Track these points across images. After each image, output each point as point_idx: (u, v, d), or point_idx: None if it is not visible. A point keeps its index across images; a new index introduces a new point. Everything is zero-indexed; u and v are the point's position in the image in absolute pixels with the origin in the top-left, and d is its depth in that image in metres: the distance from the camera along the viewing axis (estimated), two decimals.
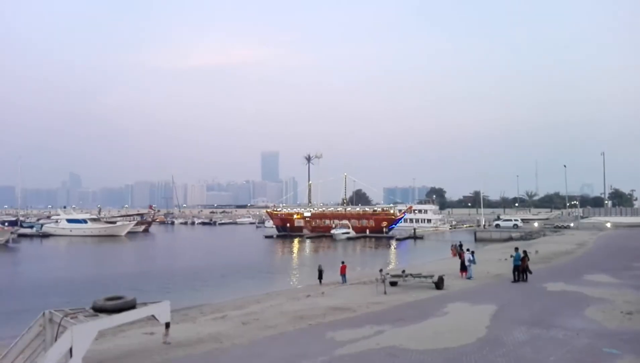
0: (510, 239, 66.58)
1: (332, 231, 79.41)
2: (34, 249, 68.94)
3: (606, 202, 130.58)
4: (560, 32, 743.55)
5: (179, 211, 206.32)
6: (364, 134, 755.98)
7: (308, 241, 77.65)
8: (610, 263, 33.20)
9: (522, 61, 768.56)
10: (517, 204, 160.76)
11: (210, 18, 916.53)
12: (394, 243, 72.24)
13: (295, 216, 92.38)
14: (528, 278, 25.29)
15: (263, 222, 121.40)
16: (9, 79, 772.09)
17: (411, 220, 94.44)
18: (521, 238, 65.80)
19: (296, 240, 78.75)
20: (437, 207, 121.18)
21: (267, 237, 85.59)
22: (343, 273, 30.32)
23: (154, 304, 13.26)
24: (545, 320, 16.16)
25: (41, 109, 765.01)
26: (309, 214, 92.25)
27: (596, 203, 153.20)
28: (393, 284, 24.19)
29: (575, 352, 12.62)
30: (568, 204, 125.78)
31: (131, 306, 12.48)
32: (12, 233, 71.67)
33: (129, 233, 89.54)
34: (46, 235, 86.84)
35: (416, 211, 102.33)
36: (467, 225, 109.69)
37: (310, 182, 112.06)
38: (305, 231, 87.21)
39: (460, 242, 45.94)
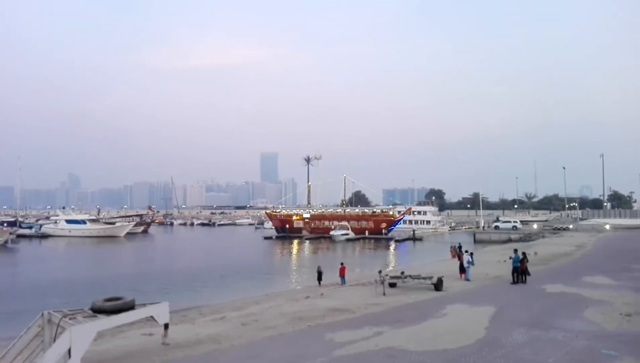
0: (509, 241, 66.54)
1: (331, 233, 79.37)
2: (32, 250, 68.81)
3: (605, 204, 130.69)
4: (560, 32, 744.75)
5: (178, 212, 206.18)
6: (363, 134, 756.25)
7: (307, 242, 77.61)
8: (609, 264, 33.23)
9: (522, 61, 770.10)
10: (516, 206, 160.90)
11: (210, 18, 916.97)
12: (393, 244, 72.19)
13: (294, 218, 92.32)
14: (527, 279, 25.31)
15: (262, 223, 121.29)
16: (9, 79, 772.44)
17: (410, 222, 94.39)
18: (520, 240, 65.76)
19: (295, 241, 78.70)
20: (436, 208, 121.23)
21: (266, 238, 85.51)
22: (342, 274, 30.31)
23: (153, 305, 13.25)
24: (544, 322, 16.18)
25: (41, 109, 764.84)
26: (308, 215, 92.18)
27: (595, 204, 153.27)
28: (392, 285, 24.19)
29: (574, 353, 12.64)
30: (567, 206, 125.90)
31: (130, 307, 12.47)
32: (10, 233, 71.50)
33: (128, 233, 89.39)
34: (45, 236, 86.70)
35: (415, 213, 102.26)
36: (466, 227, 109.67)
37: (309, 183, 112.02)
38: (304, 233, 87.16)
39: (459, 244, 45.89)
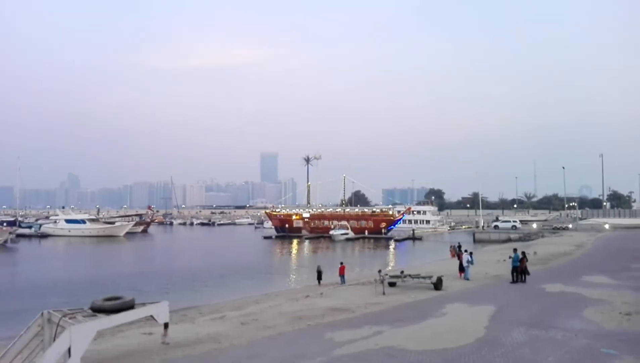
0: (509, 240, 66.58)
1: (331, 232, 79.38)
2: (32, 249, 68.78)
3: (605, 203, 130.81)
4: (560, 32, 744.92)
5: (178, 211, 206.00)
6: (363, 134, 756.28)
7: (307, 242, 77.62)
8: (608, 264, 33.25)
9: (522, 61, 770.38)
10: (515, 206, 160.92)
11: (210, 18, 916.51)
12: (392, 244, 72.22)
13: (294, 217, 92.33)
14: (526, 279, 25.33)
15: (262, 223, 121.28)
16: (9, 79, 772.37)
17: (410, 221, 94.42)
18: (520, 239, 65.80)
19: (295, 241, 78.72)
20: (436, 208, 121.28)
21: (265, 238, 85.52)
22: (342, 273, 30.30)
23: (153, 304, 13.25)
24: (543, 321, 16.19)
25: (41, 109, 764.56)
26: (307, 215, 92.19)
27: (595, 204, 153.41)
28: (392, 285, 24.21)
29: (574, 352, 12.65)
30: (566, 205, 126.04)
31: (130, 306, 12.47)
32: (10, 233, 71.46)
33: (127, 233, 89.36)
34: (45, 235, 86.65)
35: (415, 212, 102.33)
36: (466, 226, 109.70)
37: (309, 183, 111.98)
38: (304, 232, 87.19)
39: (459, 243, 45.95)
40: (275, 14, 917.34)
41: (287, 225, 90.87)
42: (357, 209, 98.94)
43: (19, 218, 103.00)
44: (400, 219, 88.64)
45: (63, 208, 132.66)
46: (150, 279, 36.82)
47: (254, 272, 41.54)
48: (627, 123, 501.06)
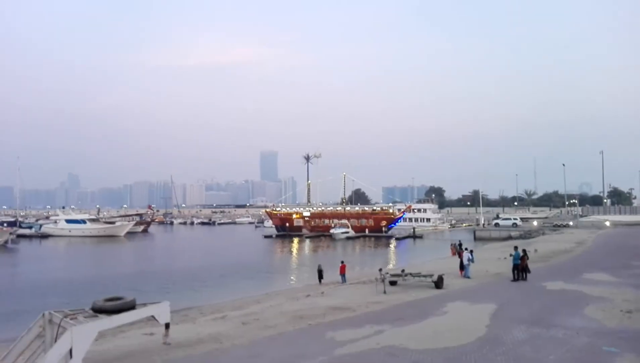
0: (510, 238, 66.58)
1: (332, 231, 79.41)
2: (33, 250, 68.85)
3: (605, 201, 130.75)
4: (560, 32, 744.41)
5: (178, 211, 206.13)
6: (363, 134, 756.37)
7: (307, 240, 77.66)
8: (609, 261, 33.22)
9: (522, 61, 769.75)
10: (516, 203, 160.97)
11: (210, 18, 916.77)
12: (393, 242, 72.29)
13: (294, 216, 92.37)
14: (527, 277, 25.31)
15: (262, 222, 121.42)
16: (9, 79, 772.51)
17: (410, 219, 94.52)
18: (520, 237, 65.84)
19: (295, 240, 78.75)
20: (437, 206, 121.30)
21: (266, 237, 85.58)
22: (342, 272, 30.33)
23: (154, 305, 13.24)
24: (544, 319, 16.18)
25: (40, 109, 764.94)
26: (308, 214, 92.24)
27: (595, 201, 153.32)
28: (392, 283, 24.19)
29: (575, 350, 12.64)
30: (567, 203, 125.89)
31: (131, 307, 12.46)
32: (10, 233, 71.56)
33: (128, 233, 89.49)
34: (45, 236, 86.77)
35: (415, 211, 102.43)
36: (467, 224, 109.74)
37: (309, 182, 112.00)
38: (304, 231, 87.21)
39: (459, 241, 45.98)
40: (275, 14, 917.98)
41: (287, 224, 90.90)
42: (357, 208, 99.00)
43: (19, 219, 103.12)
44: (400, 218, 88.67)
45: (63, 208, 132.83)
46: (151, 279, 36.85)
47: (254, 272, 41.56)
48: (627, 120, 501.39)
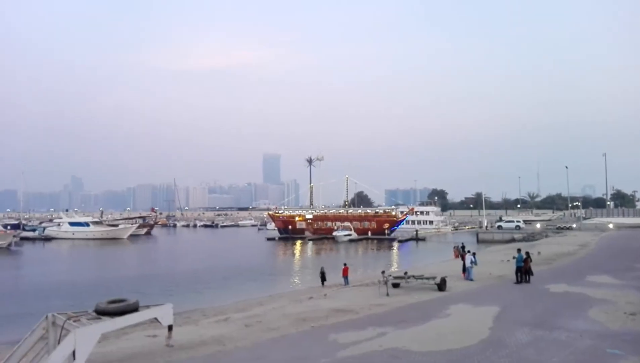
0: (513, 240, 66.42)
1: (334, 233, 79.40)
2: (36, 252, 69.03)
3: (608, 203, 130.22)
4: (560, 32, 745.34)
5: (181, 213, 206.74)
6: (364, 134, 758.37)
7: (310, 243, 77.58)
8: (612, 264, 33.12)
9: (522, 61, 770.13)
10: (519, 206, 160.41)
11: (210, 18, 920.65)
12: (396, 244, 72.20)
13: (297, 219, 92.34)
14: (530, 279, 25.26)
15: (265, 224, 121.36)
16: (9, 80, 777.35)
17: (413, 222, 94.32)
18: (523, 240, 65.63)
19: (298, 242, 78.75)
20: (439, 209, 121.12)
21: (269, 239, 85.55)
22: (345, 275, 30.32)
23: (157, 307, 13.26)
24: (548, 322, 16.14)
25: (42, 111, 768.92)
26: (310, 216, 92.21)
27: (598, 204, 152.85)
28: (395, 286, 24.16)
29: (579, 353, 12.60)
30: (570, 205, 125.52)
31: (134, 309, 12.48)
32: (14, 236, 71.93)
33: (131, 236, 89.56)
34: (48, 238, 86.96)
35: (418, 213, 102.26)
36: (469, 227, 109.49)
37: (311, 184, 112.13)
38: (307, 234, 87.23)
39: (462, 243, 45.87)
40: (275, 14, 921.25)
41: (290, 227, 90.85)
42: (360, 210, 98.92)
43: (23, 221, 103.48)
44: (403, 220, 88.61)
45: (67, 210, 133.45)
46: (154, 281, 36.89)
47: (257, 274, 41.54)
48: (629, 123, 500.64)
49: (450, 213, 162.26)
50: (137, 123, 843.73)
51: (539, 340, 13.89)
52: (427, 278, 24.22)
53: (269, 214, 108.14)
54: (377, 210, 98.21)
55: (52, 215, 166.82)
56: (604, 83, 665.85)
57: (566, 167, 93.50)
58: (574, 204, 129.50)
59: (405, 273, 25.88)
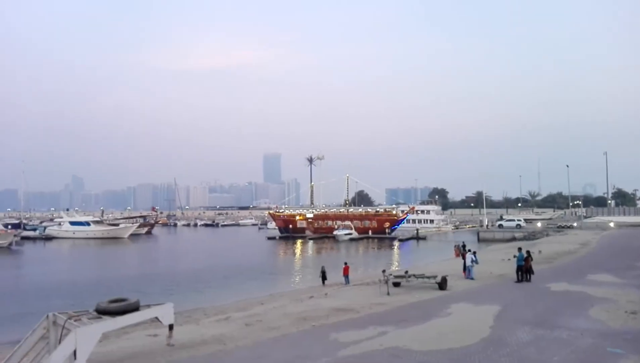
0: (514, 239, 66.41)
1: (335, 232, 79.39)
2: (37, 252, 69.09)
3: (609, 202, 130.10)
4: (560, 32, 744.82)
5: (182, 213, 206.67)
6: (364, 134, 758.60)
7: (310, 242, 77.60)
8: (613, 262, 33.10)
9: (522, 61, 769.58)
10: (519, 205, 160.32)
11: (210, 18, 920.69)
12: (396, 243, 72.18)
13: (297, 218, 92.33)
14: (531, 278, 25.25)
15: (265, 224, 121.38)
16: (9, 80, 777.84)
17: (414, 221, 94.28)
18: (524, 238, 65.61)
19: (299, 241, 78.78)
20: (440, 208, 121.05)
21: (269, 238, 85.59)
22: (346, 274, 30.31)
23: (158, 306, 13.27)
24: (549, 320, 16.13)
25: (41, 110, 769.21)
26: (311, 215, 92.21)
27: (599, 202, 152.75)
28: (396, 285, 24.17)
29: (580, 352, 12.59)
30: (571, 204, 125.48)
31: (134, 308, 12.49)
32: (15, 235, 71.98)
33: (131, 235, 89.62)
34: (49, 238, 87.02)
35: (419, 212, 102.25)
36: (470, 225, 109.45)
37: (312, 183, 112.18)
38: (307, 233, 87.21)
39: (463, 242, 45.89)
40: (275, 14, 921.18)
41: (290, 226, 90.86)
42: (360, 210, 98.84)
43: (24, 221, 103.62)
44: (404, 219, 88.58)
45: (67, 210, 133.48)
46: (155, 281, 36.90)
47: (258, 273, 41.55)
48: (630, 122, 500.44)
49: (451, 212, 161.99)
50: (137, 123, 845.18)
51: (539, 338, 13.88)
52: (428, 277, 24.21)
53: (269, 213, 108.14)
54: (378, 209, 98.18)
55: (52, 215, 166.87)
56: (604, 83, 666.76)
57: (567, 166, 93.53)
58: (575, 203, 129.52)
59: (406, 272, 25.88)
